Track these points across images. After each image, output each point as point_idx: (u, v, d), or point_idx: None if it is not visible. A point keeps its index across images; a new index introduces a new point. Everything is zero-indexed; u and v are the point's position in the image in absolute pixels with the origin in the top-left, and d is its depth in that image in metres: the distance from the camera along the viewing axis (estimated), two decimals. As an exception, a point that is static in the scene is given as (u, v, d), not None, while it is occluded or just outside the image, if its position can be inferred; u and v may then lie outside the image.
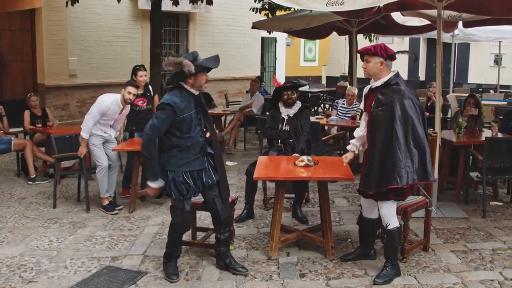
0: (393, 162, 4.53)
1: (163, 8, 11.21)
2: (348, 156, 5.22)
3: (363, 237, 5.28)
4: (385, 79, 4.70)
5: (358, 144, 5.21)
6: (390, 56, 4.71)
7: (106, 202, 6.94)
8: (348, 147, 5.30)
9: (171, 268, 4.91)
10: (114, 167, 7.04)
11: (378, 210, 4.90)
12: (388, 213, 4.79)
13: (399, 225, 4.85)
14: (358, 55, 4.89)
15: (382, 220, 4.85)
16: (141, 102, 7.76)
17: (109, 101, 6.87)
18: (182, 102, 4.62)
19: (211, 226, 5.60)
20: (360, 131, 5.13)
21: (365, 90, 4.99)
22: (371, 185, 4.70)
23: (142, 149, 4.69)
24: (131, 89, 6.84)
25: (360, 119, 9.31)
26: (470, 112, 7.99)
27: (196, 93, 4.74)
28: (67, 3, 10.76)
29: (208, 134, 4.83)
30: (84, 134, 6.82)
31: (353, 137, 8.84)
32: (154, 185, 4.71)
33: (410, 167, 4.56)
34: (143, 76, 7.74)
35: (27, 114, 9.09)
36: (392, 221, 4.80)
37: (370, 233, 5.23)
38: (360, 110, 9.66)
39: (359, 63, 4.92)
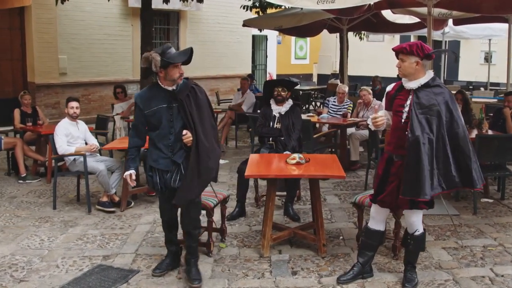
0: (442, 167, 4.29)
1: (153, 6, 11.17)
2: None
3: (364, 253, 4.86)
4: (422, 81, 4.41)
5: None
6: (427, 55, 4.40)
7: (105, 198, 6.94)
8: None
9: (160, 263, 5.04)
10: (114, 169, 7.08)
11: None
12: (417, 220, 4.62)
13: (423, 230, 4.70)
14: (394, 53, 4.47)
15: (409, 228, 4.65)
16: None
17: (61, 123, 7.22)
18: (150, 96, 4.61)
19: (204, 224, 5.60)
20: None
21: (389, 87, 4.73)
22: (423, 190, 4.25)
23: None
24: (72, 103, 7.27)
25: (351, 116, 9.39)
26: None
27: (170, 88, 4.57)
28: (56, 1, 10.71)
29: (187, 138, 4.55)
30: (68, 150, 6.99)
31: (344, 133, 8.85)
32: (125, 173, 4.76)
33: (455, 172, 4.33)
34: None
35: (17, 112, 9.06)
36: (420, 227, 4.64)
37: (374, 247, 4.87)
38: (351, 108, 9.69)
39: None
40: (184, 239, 5.01)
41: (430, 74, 4.47)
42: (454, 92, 9.61)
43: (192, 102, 4.61)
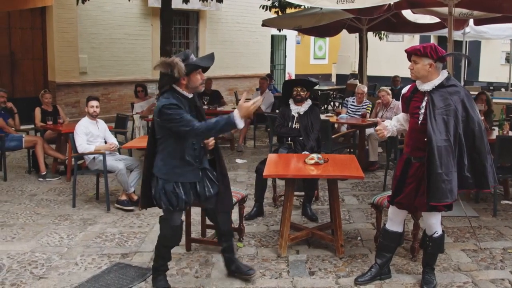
0: (456, 168, 4.29)
1: (173, 6, 11.23)
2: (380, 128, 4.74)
3: (382, 254, 4.84)
4: (435, 82, 4.36)
5: (394, 124, 4.83)
6: (440, 58, 4.34)
7: (124, 197, 6.99)
8: (386, 122, 4.87)
9: (161, 282, 4.61)
10: (133, 167, 7.15)
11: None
12: (436, 222, 4.58)
13: (442, 232, 4.66)
14: (406, 55, 4.48)
15: (428, 229, 4.62)
16: None
17: (81, 122, 7.29)
18: (179, 105, 4.26)
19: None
20: (396, 125, 4.83)
21: (405, 90, 4.71)
22: (447, 194, 4.27)
23: (209, 133, 4.23)
24: (92, 102, 7.34)
25: (370, 116, 9.35)
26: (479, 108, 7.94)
27: (190, 96, 4.37)
28: (77, 1, 10.80)
29: (211, 141, 4.56)
30: (87, 149, 7.05)
31: (363, 134, 8.84)
32: (241, 125, 4.10)
33: (468, 173, 4.33)
34: None
35: (38, 111, 9.14)
36: (439, 228, 4.60)
37: (392, 249, 4.85)
38: (370, 108, 9.65)
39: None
40: (220, 243, 4.96)
41: (444, 74, 4.42)
42: (475, 93, 9.57)
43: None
